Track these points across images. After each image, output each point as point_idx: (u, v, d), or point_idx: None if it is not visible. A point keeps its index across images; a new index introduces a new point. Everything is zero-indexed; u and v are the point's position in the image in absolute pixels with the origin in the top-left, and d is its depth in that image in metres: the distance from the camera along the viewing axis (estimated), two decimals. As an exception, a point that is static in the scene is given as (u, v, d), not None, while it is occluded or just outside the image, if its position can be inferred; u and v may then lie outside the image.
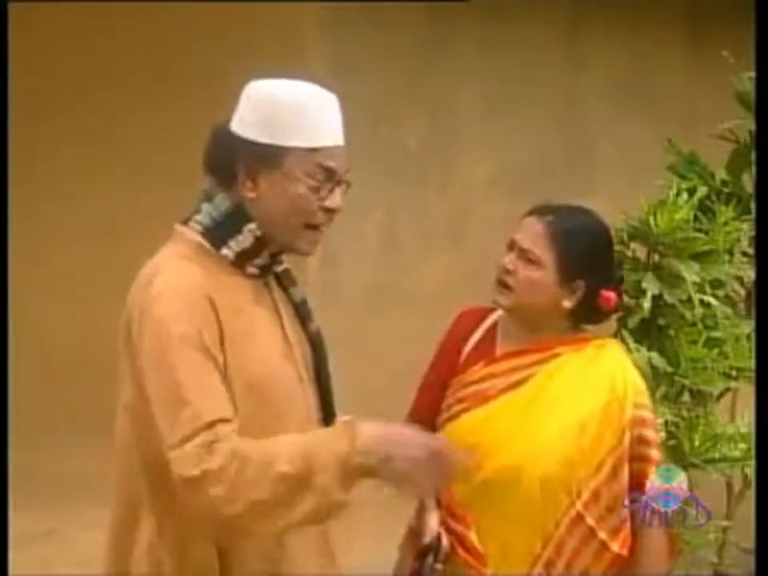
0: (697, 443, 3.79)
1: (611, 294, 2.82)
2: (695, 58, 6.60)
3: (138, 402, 2.23)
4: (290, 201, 2.28)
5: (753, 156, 4.06)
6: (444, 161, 6.02)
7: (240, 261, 2.32)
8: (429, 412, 2.85)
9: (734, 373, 3.94)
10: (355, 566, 2.60)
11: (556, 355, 2.81)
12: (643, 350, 3.68)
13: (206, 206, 2.33)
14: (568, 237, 2.78)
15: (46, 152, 6.13)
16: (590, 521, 2.75)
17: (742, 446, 3.85)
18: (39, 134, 6.01)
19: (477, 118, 6.10)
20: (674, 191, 3.89)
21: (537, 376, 2.80)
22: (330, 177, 2.29)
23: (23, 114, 5.23)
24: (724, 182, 4.25)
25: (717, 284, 3.91)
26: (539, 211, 2.83)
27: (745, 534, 4.00)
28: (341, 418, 2.38)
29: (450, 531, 2.79)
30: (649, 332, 3.77)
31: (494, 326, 2.91)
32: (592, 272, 2.80)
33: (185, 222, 2.36)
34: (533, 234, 2.78)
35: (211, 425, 2.15)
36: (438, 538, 2.77)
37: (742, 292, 4.21)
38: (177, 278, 2.26)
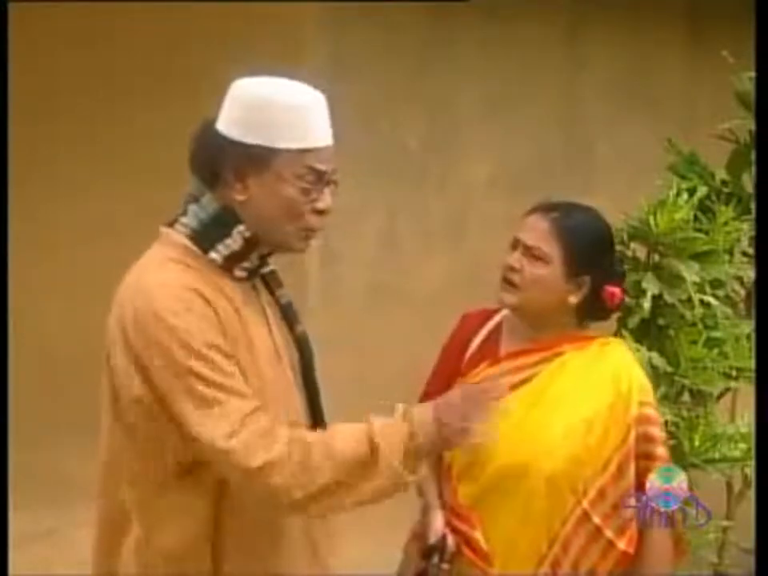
0: (697, 443, 3.79)
1: (616, 290, 2.84)
2: (695, 58, 6.59)
3: (150, 398, 2.18)
4: (280, 204, 2.25)
5: (753, 156, 4.07)
6: (444, 161, 6.01)
7: (228, 264, 2.28)
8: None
9: (734, 373, 3.95)
10: (347, 567, 2.60)
11: (560, 354, 2.82)
12: (643, 349, 3.68)
13: (192, 208, 2.29)
14: (573, 232, 2.79)
15: (46, 152, 6.11)
16: (596, 519, 2.76)
17: (742, 446, 3.85)
18: (39, 133, 6.00)
19: (477, 118, 6.08)
20: (673, 191, 3.89)
21: (541, 375, 2.80)
22: (320, 179, 2.26)
23: (23, 114, 5.21)
24: (724, 182, 4.25)
25: (717, 284, 3.91)
26: (542, 209, 2.84)
27: (745, 534, 4.01)
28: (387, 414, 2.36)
29: (455, 531, 2.80)
30: (649, 332, 3.78)
31: (497, 327, 2.92)
32: (597, 267, 2.81)
33: (170, 224, 2.32)
34: (538, 231, 2.79)
35: (254, 411, 2.15)
36: (444, 538, 2.77)
37: (742, 292, 4.21)
38: (169, 276, 2.23)
